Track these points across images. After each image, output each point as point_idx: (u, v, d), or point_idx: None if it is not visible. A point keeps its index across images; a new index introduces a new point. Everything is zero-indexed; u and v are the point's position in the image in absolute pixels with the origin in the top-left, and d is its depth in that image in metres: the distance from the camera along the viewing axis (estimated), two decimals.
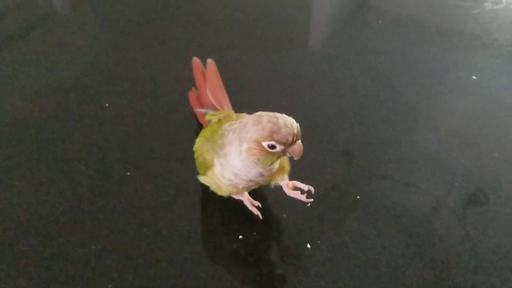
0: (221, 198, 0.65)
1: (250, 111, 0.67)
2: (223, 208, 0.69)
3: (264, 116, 0.52)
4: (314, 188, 0.62)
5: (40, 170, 0.74)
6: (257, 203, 0.67)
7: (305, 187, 0.63)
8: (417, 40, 1.02)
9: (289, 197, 0.63)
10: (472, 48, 1.00)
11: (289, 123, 0.52)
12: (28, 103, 0.85)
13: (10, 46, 0.98)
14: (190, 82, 0.81)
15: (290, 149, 0.53)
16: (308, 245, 0.65)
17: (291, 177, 0.64)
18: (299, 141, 0.54)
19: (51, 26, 1.04)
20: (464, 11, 1.11)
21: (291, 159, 0.58)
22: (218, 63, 0.76)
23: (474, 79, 0.92)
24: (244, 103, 0.85)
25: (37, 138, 0.79)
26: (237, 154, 0.54)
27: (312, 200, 0.62)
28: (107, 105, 0.85)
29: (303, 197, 0.62)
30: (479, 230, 0.67)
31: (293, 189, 0.63)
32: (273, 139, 0.51)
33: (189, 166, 0.63)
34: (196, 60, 0.80)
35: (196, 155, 0.63)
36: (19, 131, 0.80)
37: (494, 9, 1.11)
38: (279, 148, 0.52)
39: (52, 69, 0.93)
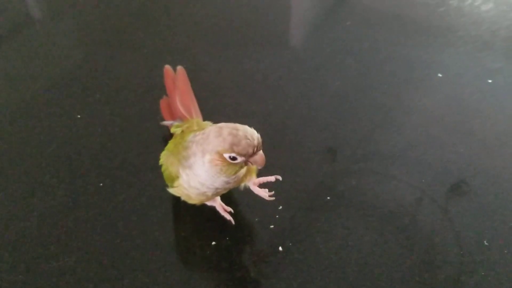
0: (193, 205, 0.66)
1: (221, 117, 0.68)
2: (196, 215, 0.70)
3: (225, 128, 0.53)
4: (285, 192, 0.63)
5: (12, 184, 0.74)
6: (229, 209, 0.68)
7: (271, 178, 0.64)
8: (384, 40, 1.04)
9: (261, 201, 0.64)
10: (438, 45, 1.02)
11: (249, 135, 0.53)
12: None
13: None
14: (162, 91, 0.81)
15: (252, 160, 0.55)
16: (280, 248, 0.66)
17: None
18: (261, 152, 0.55)
19: (21, 38, 1.03)
20: (430, 9, 1.13)
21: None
22: (189, 70, 0.77)
23: (439, 76, 0.94)
24: (215, 109, 0.86)
25: (8, 152, 0.79)
26: (201, 165, 0.55)
27: (273, 198, 0.64)
28: (78, 116, 0.85)
29: (266, 195, 0.64)
30: (457, 222, 0.69)
31: (260, 186, 0.64)
32: (233, 151, 0.52)
33: (161, 175, 0.64)
34: (167, 68, 0.81)
35: (162, 169, 0.64)
36: None
37: (459, 7, 1.14)
38: (240, 159, 0.54)
39: (23, 80, 0.92)
